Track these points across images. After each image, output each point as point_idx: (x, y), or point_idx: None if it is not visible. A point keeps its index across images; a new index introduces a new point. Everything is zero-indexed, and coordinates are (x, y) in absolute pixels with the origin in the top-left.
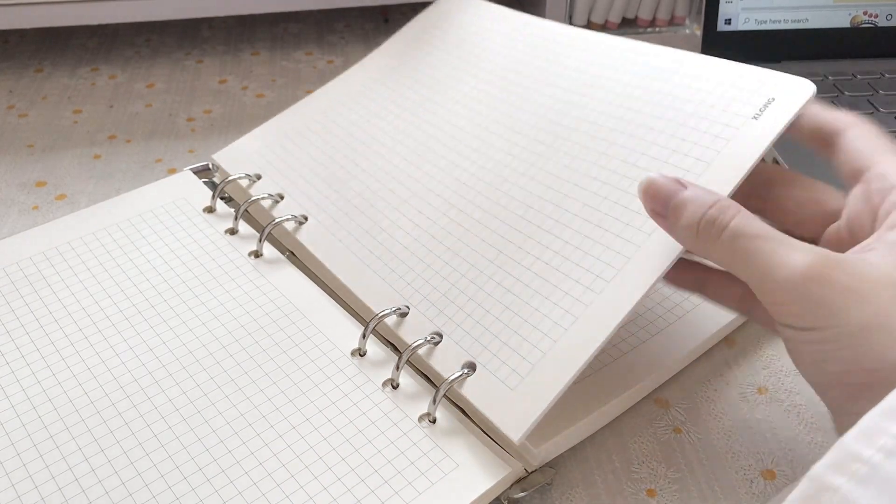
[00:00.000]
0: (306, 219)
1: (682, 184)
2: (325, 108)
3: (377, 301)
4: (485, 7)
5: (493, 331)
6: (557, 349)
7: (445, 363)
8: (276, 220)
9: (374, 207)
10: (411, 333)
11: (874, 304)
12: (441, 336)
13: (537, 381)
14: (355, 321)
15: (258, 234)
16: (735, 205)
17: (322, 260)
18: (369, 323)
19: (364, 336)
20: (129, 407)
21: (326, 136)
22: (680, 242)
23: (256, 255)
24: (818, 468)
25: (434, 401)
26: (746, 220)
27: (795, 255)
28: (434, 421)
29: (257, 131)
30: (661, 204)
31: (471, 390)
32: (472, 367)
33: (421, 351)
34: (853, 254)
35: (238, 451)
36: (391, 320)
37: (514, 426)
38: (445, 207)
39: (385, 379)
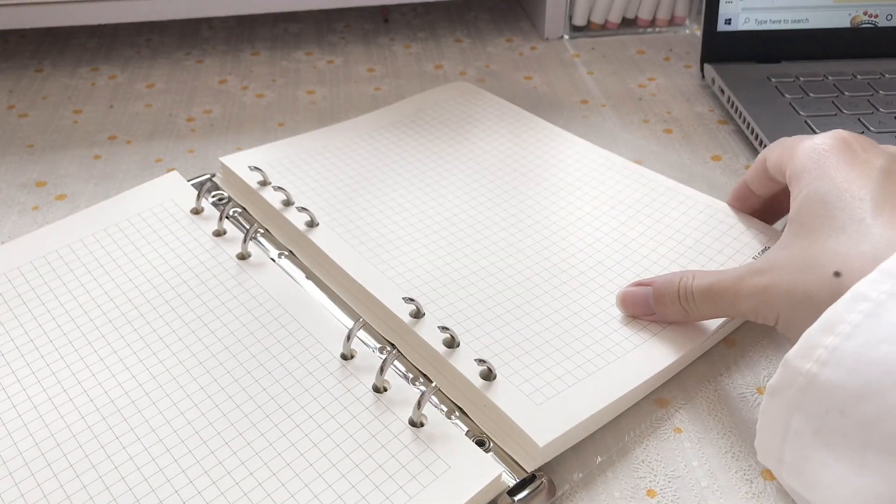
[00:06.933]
0: (315, 223)
1: (646, 283)
2: (331, 140)
3: (389, 299)
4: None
5: (515, 351)
6: (591, 382)
7: (462, 365)
8: (272, 224)
9: (389, 219)
10: (424, 334)
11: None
12: (456, 340)
13: (567, 404)
14: (343, 322)
15: (243, 235)
16: (688, 271)
17: (334, 258)
18: (353, 327)
19: (349, 338)
20: (119, 421)
21: (334, 160)
22: (672, 320)
23: (242, 257)
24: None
25: (419, 403)
26: (699, 275)
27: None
28: (423, 424)
29: (262, 147)
30: (643, 305)
31: (495, 394)
32: (487, 374)
33: (441, 352)
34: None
35: (228, 462)
36: (407, 321)
37: (539, 434)
38: (471, 230)
39: (374, 381)
